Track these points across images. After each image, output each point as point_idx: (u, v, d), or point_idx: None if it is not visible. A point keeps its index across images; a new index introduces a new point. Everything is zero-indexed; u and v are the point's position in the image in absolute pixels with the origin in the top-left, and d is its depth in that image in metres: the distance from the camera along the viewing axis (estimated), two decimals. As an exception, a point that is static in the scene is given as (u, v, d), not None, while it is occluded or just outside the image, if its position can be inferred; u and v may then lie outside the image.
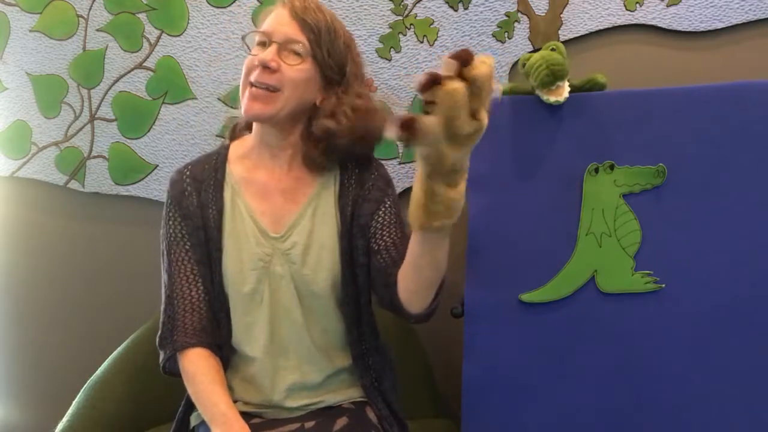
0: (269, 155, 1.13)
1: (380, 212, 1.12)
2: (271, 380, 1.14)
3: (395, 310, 1.08)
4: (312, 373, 1.14)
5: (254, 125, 1.15)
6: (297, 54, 1.06)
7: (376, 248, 1.10)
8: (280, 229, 1.12)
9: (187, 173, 1.15)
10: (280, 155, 1.13)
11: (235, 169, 1.15)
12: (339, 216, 1.13)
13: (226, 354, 1.14)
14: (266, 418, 1.15)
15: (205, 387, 1.06)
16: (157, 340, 1.13)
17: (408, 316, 1.07)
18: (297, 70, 1.05)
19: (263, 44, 1.07)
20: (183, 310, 1.11)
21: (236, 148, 1.18)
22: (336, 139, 1.08)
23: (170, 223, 1.14)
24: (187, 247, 1.12)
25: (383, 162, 1.23)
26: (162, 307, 1.13)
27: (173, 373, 1.13)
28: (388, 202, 1.14)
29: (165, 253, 1.14)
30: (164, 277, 1.14)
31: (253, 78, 1.05)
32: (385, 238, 1.10)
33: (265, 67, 1.03)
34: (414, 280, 1.01)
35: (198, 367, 1.08)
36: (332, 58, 1.08)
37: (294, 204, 1.13)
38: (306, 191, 1.13)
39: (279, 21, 1.07)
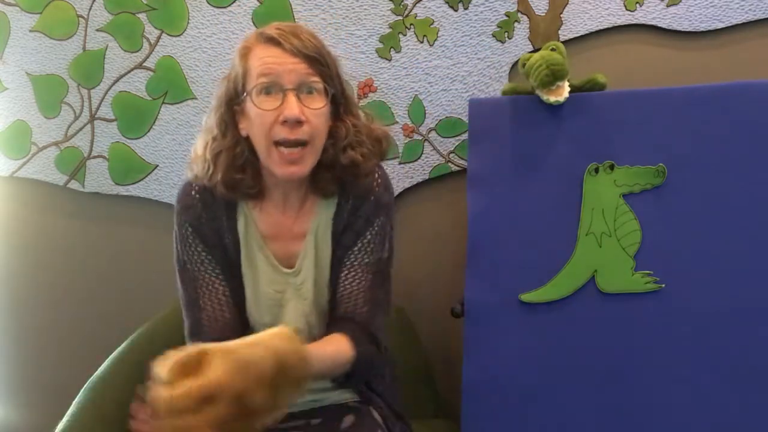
0: (281, 195, 1.08)
1: (355, 249, 1.08)
2: None
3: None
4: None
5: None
6: (312, 92, 0.98)
7: (338, 288, 1.08)
8: (290, 263, 1.09)
9: (197, 197, 1.07)
10: (291, 194, 1.08)
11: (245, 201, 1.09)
12: (332, 241, 1.10)
13: None
14: None
15: None
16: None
17: None
18: (319, 113, 0.98)
19: (267, 92, 0.97)
20: (218, 333, 1.04)
21: None
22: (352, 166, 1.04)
23: (192, 248, 1.07)
24: (217, 272, 1.07)
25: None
26: (187, 332, 1.06)
27: None
28: (368, 236, 1.08)
29: (187, 278, 1.07)
30: (187, 301, 1.07)
31: (280, 137, 0.96)
32: (346, 283, 1.07)
33: (297, 122, 0.95)
34: None
35: None
36: (339, 84, 1.02)
37: (301, 237, 1.09)
38: (310, 219, 1.10)
39: (279, 61, 0.96)
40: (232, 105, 1.03)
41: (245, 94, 0.99)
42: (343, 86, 1.05)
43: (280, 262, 1.09)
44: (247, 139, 1.03)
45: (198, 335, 1.05)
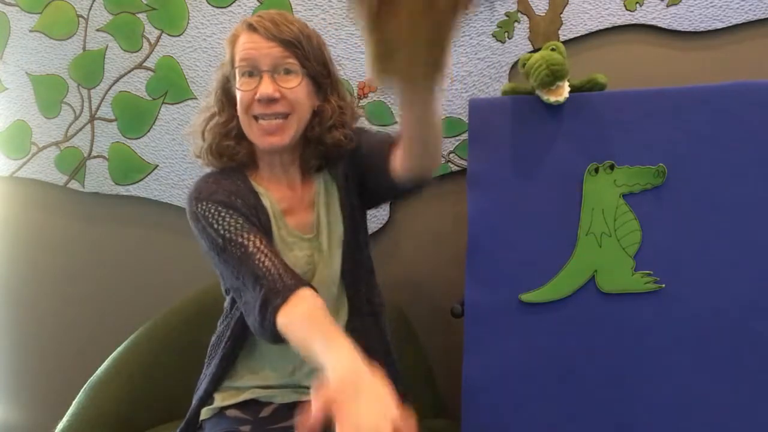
0: (282, 171, 1.15)
1: (359, 150, 1.15)
2: (293, 362, 1.15)
3: (412, 185, 1.07)
4: None
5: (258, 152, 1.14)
6: (289, 73, 1.06)
7: (370, 160, 1.13)
8: (309, 231, 1.15)
9: (215, 185, 1.09)
10: (290, 169, 1.15)
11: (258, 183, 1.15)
12: (339, 194, 1.17)
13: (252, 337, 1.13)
14: (276, 403, 1.16)
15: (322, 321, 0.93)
16: (259, 305, 0.97)
17: (423, 182, 1.08)
18: (297, 90, 1.06)
19: (249, 74, 1.06)
20: (277, 268, 1.00)
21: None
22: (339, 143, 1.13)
23: (232, 219, 1.05)
24: (262, 234, 1.05)
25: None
26: (251, 286, 1.00)
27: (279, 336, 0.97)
28: (363, 138, 1.17)
29: (234, 252, 1.02)
30: (239, 266, 1.01)
31: (257, 112, 1.06)
32: (370, 148, 1.13)
33: (270, 100, 1.04)
34: (415, 149, 0.97)
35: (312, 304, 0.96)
36: (318, 64, 1.10)
37: (311, 206, 1.17)
38: (313, 189, 1.17)
39: (257, 47, 1.05)
40: (227, 88, 1.13)
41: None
42: (328, 67, 1.12)
43: (300, 231, 1.15)
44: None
45: (261, 276, 0.99)
